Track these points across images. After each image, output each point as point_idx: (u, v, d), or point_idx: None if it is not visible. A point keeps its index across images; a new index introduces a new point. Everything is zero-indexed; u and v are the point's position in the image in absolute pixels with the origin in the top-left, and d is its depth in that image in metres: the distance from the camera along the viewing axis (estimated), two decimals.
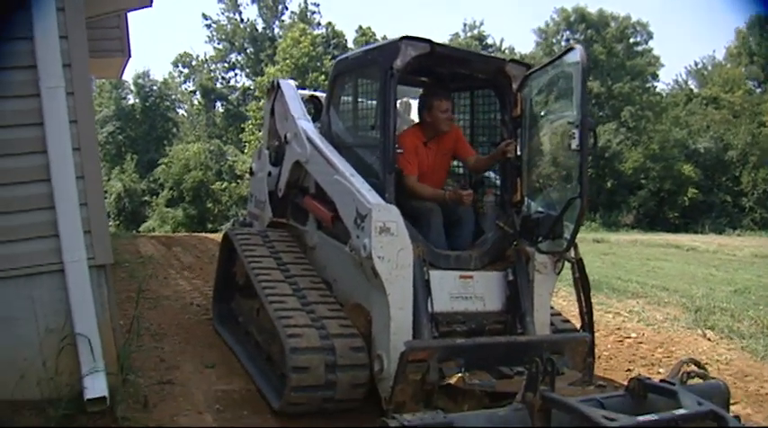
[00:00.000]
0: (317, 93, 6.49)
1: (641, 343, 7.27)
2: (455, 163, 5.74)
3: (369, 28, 42.42)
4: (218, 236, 12.97)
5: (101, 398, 3.81)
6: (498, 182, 5.31)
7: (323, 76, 32.58)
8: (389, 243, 4.27)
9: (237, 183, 33.61)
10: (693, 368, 3.87)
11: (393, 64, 4.56)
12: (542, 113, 5.09)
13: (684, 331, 7.90)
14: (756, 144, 33.18)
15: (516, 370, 4.18)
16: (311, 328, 4.35)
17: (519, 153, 4.99)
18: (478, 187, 5.44)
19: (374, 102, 4.95)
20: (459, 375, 3.86)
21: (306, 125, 5.56)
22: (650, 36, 38.86)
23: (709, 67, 42.16)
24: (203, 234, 17.23)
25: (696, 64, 43.45)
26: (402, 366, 3.84)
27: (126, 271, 8.03)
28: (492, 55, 6.02)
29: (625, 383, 5.82)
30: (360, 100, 5.19)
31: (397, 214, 4.34)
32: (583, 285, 4.91)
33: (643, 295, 10.02)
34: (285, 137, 5.80)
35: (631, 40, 38.47)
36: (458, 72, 5.24)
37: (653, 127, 35.60)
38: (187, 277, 8.36)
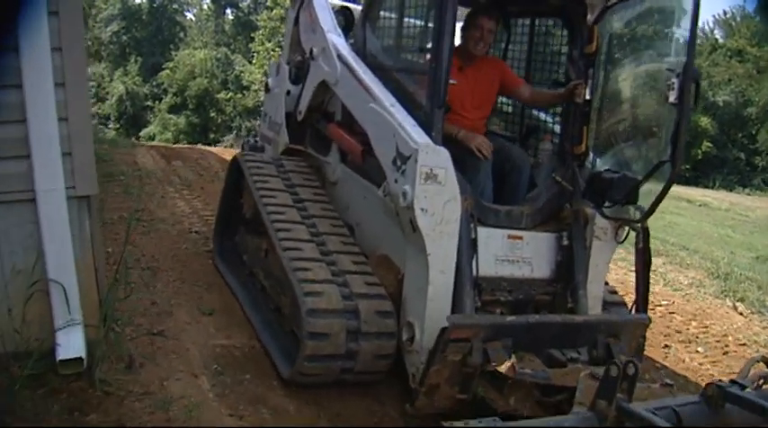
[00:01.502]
0: (350, 5, 5.64)
1: (673, 312, 6.90)
2: (503, 100, 4.99)
3: None
4: (221, 151, 12.35)
5: (76, 359, 3.11)
6: (558, 128, 4.55)
7: None
8: (436, 193, 3.53)
9: (243, 94, 32.81)
10: (764, 369, 3.40)
11: None
12: (625, 54, 4.30)
13: (714, 300, 7.69)
14: None
15: (569, 355, 3.60)
16: (332, 285, 3.69)
17: (588, 97, 4.22)
18: (533, 132, 4.74)
19: (422, 21, 4.18)
20: (510, 362, 3.20)
21: (337, 40, 4.75)
22: None
23: (738, 18, 40.55)
24: (206, 147, 16.40)
25: (725, 13, 41.86)
26: (442, 344, 3.19)
27: (121, 186, 7.35)
28: None
29: (664, 362, 5.45)
30: (406, 16, 4.41)
31: (446, 158, 3.58)
32: (644, 257, 4.25)
33: (664, 253, 9.75)
34: (311, 51, 4.99)
35: None
36: None
37: None
38: (186, 198, 7.66)
